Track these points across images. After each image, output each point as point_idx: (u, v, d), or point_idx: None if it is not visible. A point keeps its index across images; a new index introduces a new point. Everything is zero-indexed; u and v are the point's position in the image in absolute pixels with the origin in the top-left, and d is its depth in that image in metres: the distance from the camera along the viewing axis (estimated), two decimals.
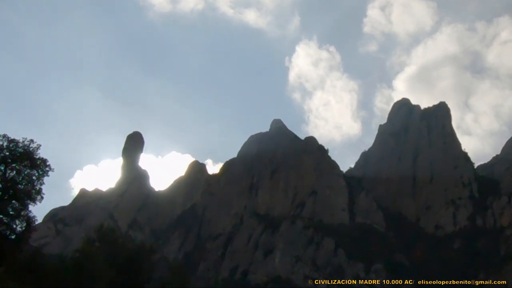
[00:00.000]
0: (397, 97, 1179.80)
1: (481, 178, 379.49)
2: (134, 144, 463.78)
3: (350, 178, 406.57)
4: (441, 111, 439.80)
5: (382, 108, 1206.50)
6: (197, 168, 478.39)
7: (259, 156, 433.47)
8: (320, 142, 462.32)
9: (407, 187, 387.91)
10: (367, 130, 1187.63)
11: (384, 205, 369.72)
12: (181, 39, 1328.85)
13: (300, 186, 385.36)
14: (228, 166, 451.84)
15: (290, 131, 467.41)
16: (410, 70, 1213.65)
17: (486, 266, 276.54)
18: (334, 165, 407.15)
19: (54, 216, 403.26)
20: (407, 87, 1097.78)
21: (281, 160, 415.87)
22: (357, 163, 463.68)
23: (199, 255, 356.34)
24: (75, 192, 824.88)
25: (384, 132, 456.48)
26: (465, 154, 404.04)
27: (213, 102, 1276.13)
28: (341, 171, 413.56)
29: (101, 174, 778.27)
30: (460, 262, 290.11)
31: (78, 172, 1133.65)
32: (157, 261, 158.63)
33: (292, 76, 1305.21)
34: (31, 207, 74.45)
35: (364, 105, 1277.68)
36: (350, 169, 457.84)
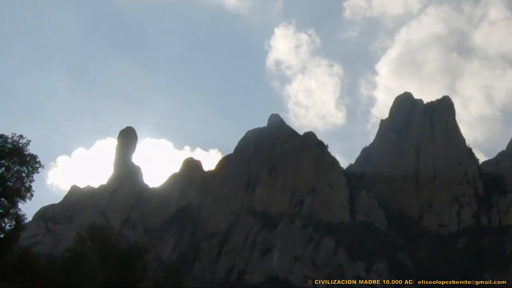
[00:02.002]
0: (381, 82, 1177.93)
1: (486, 175, 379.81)
2: (126, 140, 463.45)
3: (351, 175, 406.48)
4: (444, 106, 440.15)
5: (368, 94, 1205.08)
6: (192, 165, 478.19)
7: (256, 152, 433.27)
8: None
9: (410, 185, 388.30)
10: (352, 118, 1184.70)
11: (386, 203, 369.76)
12: (153, 24, 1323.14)
13: (299, 183, 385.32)
14: (225, 163, 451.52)
15: (288, 126, 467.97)
16: (394, 53, 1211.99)
17: (491, 266, 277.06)
18: (334, 162, 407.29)
19: (44, 214, 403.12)
20: (392, 70, 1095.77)
21: (279, 156, 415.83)
22: (357, 160, 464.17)
23: (194, 255, 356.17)
24: (49, 183, 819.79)
25: (385, 128, 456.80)
26: (470, 150, 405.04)
27: (189, 88, 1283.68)
28: (341, 168, 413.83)
29: (77, 165, 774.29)
30: (465, 261, 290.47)
31: (51, 163, 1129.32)
32: (151, 260, 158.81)
33: (271, 61, 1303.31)
34: (20, 205, 74.39)
35: (348, 91, 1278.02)
36: (351, 166, 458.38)
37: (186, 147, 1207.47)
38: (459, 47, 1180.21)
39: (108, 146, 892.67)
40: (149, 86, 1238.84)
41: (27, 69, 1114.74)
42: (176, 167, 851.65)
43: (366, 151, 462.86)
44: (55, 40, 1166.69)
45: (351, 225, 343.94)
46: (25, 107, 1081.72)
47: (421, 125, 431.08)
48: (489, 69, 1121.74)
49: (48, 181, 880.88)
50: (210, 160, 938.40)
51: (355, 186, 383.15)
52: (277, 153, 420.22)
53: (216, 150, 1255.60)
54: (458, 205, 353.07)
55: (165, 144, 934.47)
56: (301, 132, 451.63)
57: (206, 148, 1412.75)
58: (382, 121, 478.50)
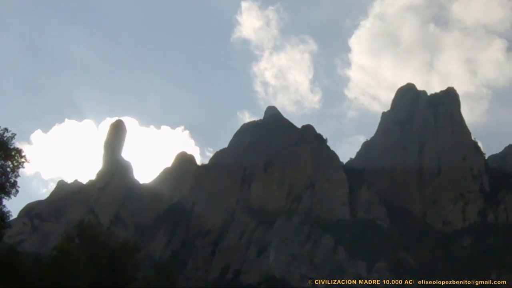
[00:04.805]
0: (356, 60, 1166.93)
1: (493, 169, 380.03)
2: (116, 133, 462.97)
3: (351, 170, 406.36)
4: (449, 98, 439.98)
5: (342, 73, 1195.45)
6: (185, 159, 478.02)
7: (252, 146, 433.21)
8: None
9: (413, 180, 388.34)
10: (328, 99, 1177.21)
11: (388, 199, 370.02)
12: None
13: (297, 179, 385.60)
14: (219, 157, 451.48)
15: (285, 119, 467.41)
16: (367, 28, 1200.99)
17: (498, 265, 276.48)
18: (333, 156, 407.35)
19: (30, 211, 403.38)
20: (366, 46, 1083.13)
21: (276, 150, 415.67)
22: (358, 154, 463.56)
23: (187, 253, 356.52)
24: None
25: (387, 120, 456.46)
26: (475, 143, 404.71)
27: (152, 64, 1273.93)
28: (340, 162, 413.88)
29: (38, 152, 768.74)
30: (470, 260, 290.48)
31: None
32: (142, 259, 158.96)
33: (237, 37, 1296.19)
34: (5, 201, 74.19)
35: (322, 71, 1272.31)
36: (351, 160, 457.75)
37: (152, 126, 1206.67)
38: (437, 18, 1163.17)
39: (70, 130, 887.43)
40: (109, 63, 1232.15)
41: None
42: (144, 144, 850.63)
43: (367, 145, 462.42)
44: (2, 11, 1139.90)
45: (351, 222, 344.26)
46: None
47: (425, 117, 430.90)
48: (470, 40, 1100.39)
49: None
50: (178, 139, 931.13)
51: (356, 182, 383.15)
52: (274, 147, 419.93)
53: (183, 127, 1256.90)
54: (463, 201, 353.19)
55: (130, 122, 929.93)
56: (299, 125, 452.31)
57: (172, 126, 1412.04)
58: (383, 113, 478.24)
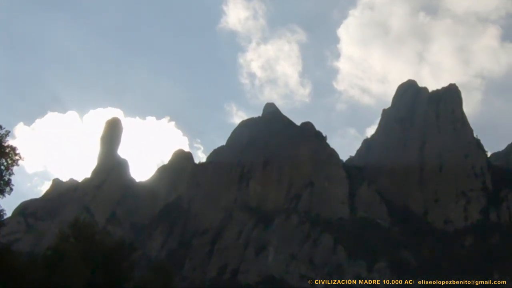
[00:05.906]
0: (345, 51, 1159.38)
1: (495, 167, 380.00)
2: (112, 131, 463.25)
3: (351, 168, 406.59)
4: (450, 94, 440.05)
5: (333, 67, 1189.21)
6: (182, 157, 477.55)
7: (250, 143, 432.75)
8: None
9: (414, 178, 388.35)
10: (318, 92, 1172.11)
11: (388, 197, 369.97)
12: None
13: (296, 177, 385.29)
14: (216, 155, 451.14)
15: (284, 116, 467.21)
16: (356, 17, 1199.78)
17: (500, 265, 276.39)
18: (333, 154, 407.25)
19: (25, 209, 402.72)
20: (355, 36, 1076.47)
21: (275, 148, 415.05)
22: (358, 152, 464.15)
23: (184, 253, 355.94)
24: None
25: (388, 117, 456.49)
26: (478, 141, 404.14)
27: (137, 56, 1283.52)
28: (340, 160, 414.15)
29: (22, 145, 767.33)
30: (472, 260, 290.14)
31: None
32: (138, 259, 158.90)
33: (224, 28, 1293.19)
34: None
35: (312, 63, 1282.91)
36: (351, 158, 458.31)
37: (137, 117, 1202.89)
38: (427, 7, 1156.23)
39: (53, 123, 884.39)
40: (90, 53, 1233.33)
41: None
42: (132, 136, 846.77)
43: (367, 142, 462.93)
44: None
45: (351, 221, 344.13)
46: None
47: (426, 114, 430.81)
48: (462, 29, 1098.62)
49: None
50: (165, 130, 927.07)
51: (356, 180, 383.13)
52: (273, 145, 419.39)
53: (168, 118, 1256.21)
54: (465, 200, 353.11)
55: (116, 113, 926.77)
56: (298, 122, 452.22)
57: (158, 117, 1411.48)
58: (384, 110, 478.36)
